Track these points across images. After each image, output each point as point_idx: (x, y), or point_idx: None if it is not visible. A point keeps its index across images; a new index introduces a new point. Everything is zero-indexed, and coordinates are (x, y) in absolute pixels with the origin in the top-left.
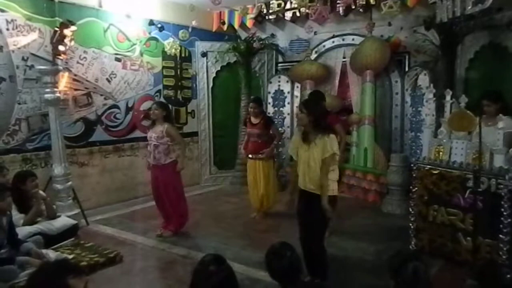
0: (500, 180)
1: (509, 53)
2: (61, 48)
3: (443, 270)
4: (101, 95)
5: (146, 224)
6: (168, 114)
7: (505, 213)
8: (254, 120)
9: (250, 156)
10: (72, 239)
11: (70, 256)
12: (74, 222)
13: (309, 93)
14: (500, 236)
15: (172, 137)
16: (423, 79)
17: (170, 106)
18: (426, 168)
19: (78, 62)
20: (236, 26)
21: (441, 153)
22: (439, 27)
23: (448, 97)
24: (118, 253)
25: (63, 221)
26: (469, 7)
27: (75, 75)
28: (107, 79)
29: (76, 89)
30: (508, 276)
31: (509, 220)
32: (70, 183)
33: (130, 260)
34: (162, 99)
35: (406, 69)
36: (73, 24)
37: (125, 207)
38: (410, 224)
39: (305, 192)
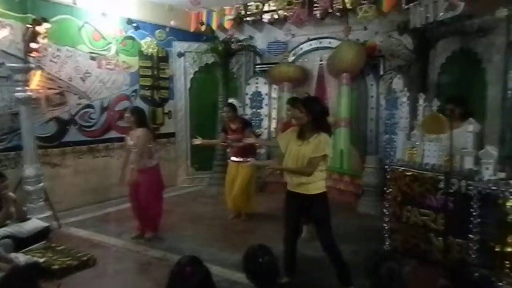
0: (470, 181)
1: (478, 59)
2: (33, 45)
3: (416, 270)
4: (75, 94)
5: (120, 226)
6: (139, 119)
7: (474, 214)
8: (233, 126)
9: (233, 159)
10: (44, 242)
11: (41, 260)
12: (45, 224)
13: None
14: (470, 236)
15: (137, 141)
16: (397, 83)
17: (143, 109)
18: (400, 170)
19: (51, 61)
20: (214, 27)
21: (414, 155)
22: (413, 32)
23: (421, 101)
24: (91, 256)
25: (34, 223)
26: (441, 14)
27: (48, 73)
28: (81, 78)
29: (48, 88)
30: (477, 274)
31: (478, 220)
32: (42, 184)
33: (104, 263)
34: (138, 99)
35: (381, 72)
36: (46, 21)
37: (99, 209)
38: (385, 225)
39: (295, 194)
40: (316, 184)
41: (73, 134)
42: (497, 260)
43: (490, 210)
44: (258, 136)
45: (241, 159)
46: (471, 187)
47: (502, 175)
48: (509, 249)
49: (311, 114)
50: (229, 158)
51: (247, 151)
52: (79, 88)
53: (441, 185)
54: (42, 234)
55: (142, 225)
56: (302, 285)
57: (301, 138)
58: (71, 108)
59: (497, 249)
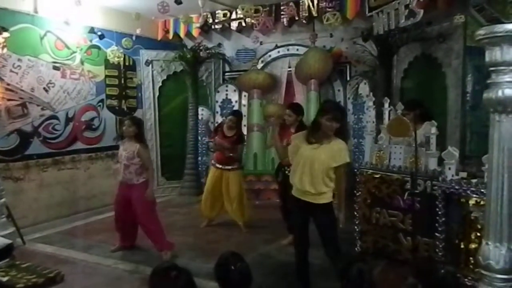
0: (434, 181)
1: (438, 64)
2: None
3: (386, 270)
4: (38, 105)
5: (89, 240)
6: (141, 133)
7: (439, 213)
8: (228, 132)
9: (217, 165)
10: (7, 260)
11: (5, 279)
12: (8, 241)
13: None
14: (436, 234)
15: (142, 160)
16: (363, 88)
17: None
18: (369, 173)
19: (11, 71)
20: (182, 35)
21: (381, 158)
22: (376, 39)
23: (386, 105)
24: (58, 273)
25: None
26: (402, 21)
27: (8, 84)
28: (44, 88)
29: (9, 99)
30: (443, 271)
31: (443, 219)
32: (3, 200)
33: (72, 279)
34: (105, 109)
35: (348, 78)
36: (5, 30)
37: (66, 223)
38: (355, 227)
39: (300, 201)
40: (326, 195)
41: (36, 147)
42: (462, 257)
43: (454, 209)
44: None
45: (228, 167)
46: (436, 187)
47: (464, 174)
48: (473, 246)
49: (339, 123)
50: (213, 164)
51: (232, 158)
52: (42, 99)
53: (408, 186)
54: (5, 252)
55: (156, 245)
56: None
57: (315, 141)
58: (34, 119)
59: (462, 246)
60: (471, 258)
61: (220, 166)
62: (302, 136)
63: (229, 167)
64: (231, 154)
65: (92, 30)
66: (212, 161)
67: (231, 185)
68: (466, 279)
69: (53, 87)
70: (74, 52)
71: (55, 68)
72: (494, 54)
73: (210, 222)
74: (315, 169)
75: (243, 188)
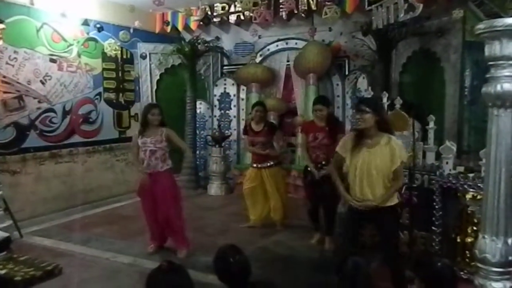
0: (432, 176)
1: (436, 58)
2: None
3: (383, 264)
4: (35, 98)
5: (87, 233)
6: (163, 117)
7: (436, 207)
8: (256, 127)
9: (254, 165)
10: (4, 253)
11: (2, 272)
12: (5, 234)
13: (318, 96)
14: (433, 228)
15: (173, 142)
16: (362, 82)
17: None
18: None
19: (7, 63)
20: (180, 28)
21: None
22: (375, 33)
23: (384, 99)
24: (56, 266)
25: None
26: (402, 15)
27: (4, 76)
28: (41, 81)
29: (5, 92)
30: (440, 264)
31: (440, 213)
32: (0, 193)
33: (70, 272)
34: (102, 102)
35: (346, 72)
36: (1, 22)
37: (63, 216)
38: None
39: (360, 209)
40: (393, 197)
41: (33, 140)
42: (459, 251)
43: (451, 203)
44: (285, 141)
45: (265, 164)
46: (433, 182)
47: (461, 168)
48: (469, 240)
49: (377, 114)
50: (252, 166)
51: (269, 155)
52: (39, 92)
53: (405, 180)
54: (2, 245)
55: (174, 240)
56: (270, 284)
57: (364, 144)
58: (31, 112)
59: (458, 240)
60: (467, 251)
61: (259, 166)
62: (349, 140)
63: (266, 164)
64: (272, 147)
65: (85, 22)
66: (250, 163)
67: (272, 183)
68: (462, 273)
69: (49, 79)
70: (71, 45)
71: (52, 60)
72: (493, 49)
73: (255, 225)
74: (374, 176)
75: (284, 185)
